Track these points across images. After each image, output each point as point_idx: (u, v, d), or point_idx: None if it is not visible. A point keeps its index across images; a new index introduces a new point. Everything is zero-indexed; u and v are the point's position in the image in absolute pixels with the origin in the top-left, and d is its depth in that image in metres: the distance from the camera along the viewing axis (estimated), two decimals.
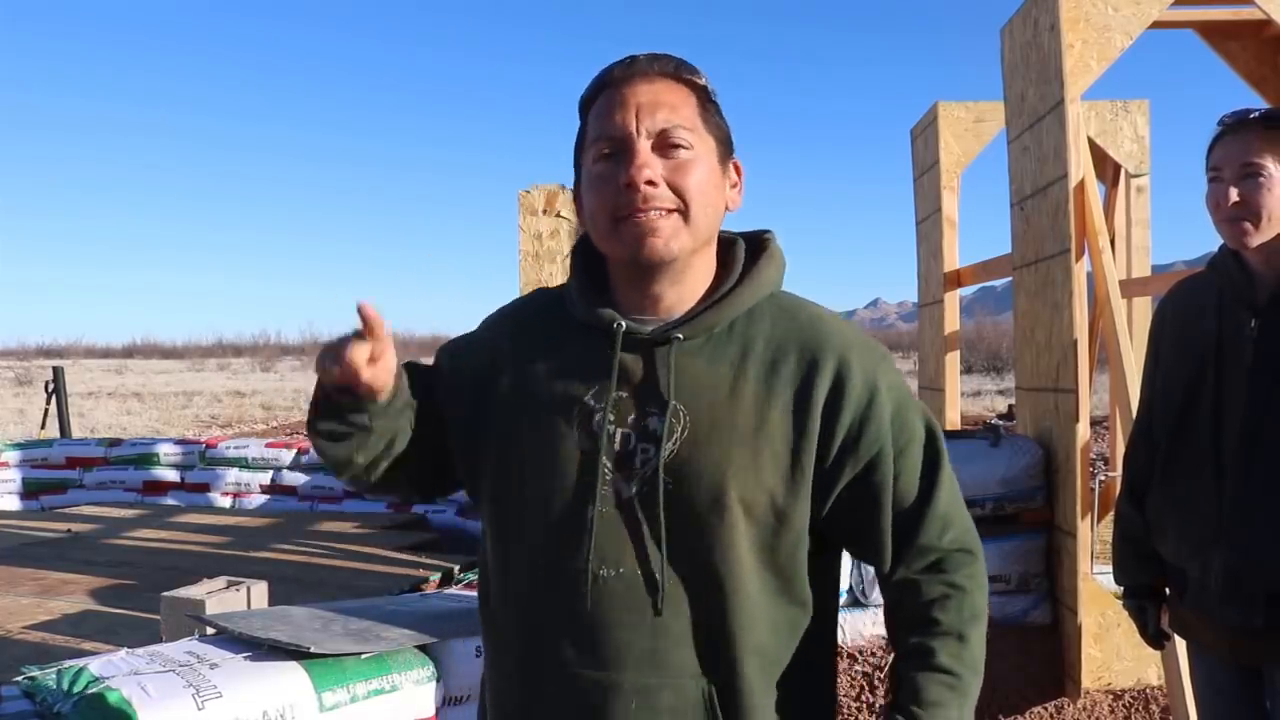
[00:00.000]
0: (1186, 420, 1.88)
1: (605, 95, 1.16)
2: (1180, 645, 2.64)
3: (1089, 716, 3.31)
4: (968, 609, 1.27)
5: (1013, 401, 8.79)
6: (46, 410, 10.47)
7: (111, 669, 2.00)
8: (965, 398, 16.41)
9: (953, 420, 5.33)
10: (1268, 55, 3.90)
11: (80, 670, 1.96)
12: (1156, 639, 2.07)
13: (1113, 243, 4.67)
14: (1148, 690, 3.27)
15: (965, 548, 1.26)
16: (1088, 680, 3.21)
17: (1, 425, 16.92)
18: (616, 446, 1.14)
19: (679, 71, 1.17)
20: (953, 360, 5.39)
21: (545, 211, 3.87)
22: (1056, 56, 3.27)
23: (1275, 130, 1.76)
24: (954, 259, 5.28)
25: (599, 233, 1.16)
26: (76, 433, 11.24)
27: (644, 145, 1.12)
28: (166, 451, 8.64)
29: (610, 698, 1.12)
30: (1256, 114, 1.79)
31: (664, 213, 1.12)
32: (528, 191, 3.88)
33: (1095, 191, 3.32)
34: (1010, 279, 3.98)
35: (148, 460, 8.60)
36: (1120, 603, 2.70)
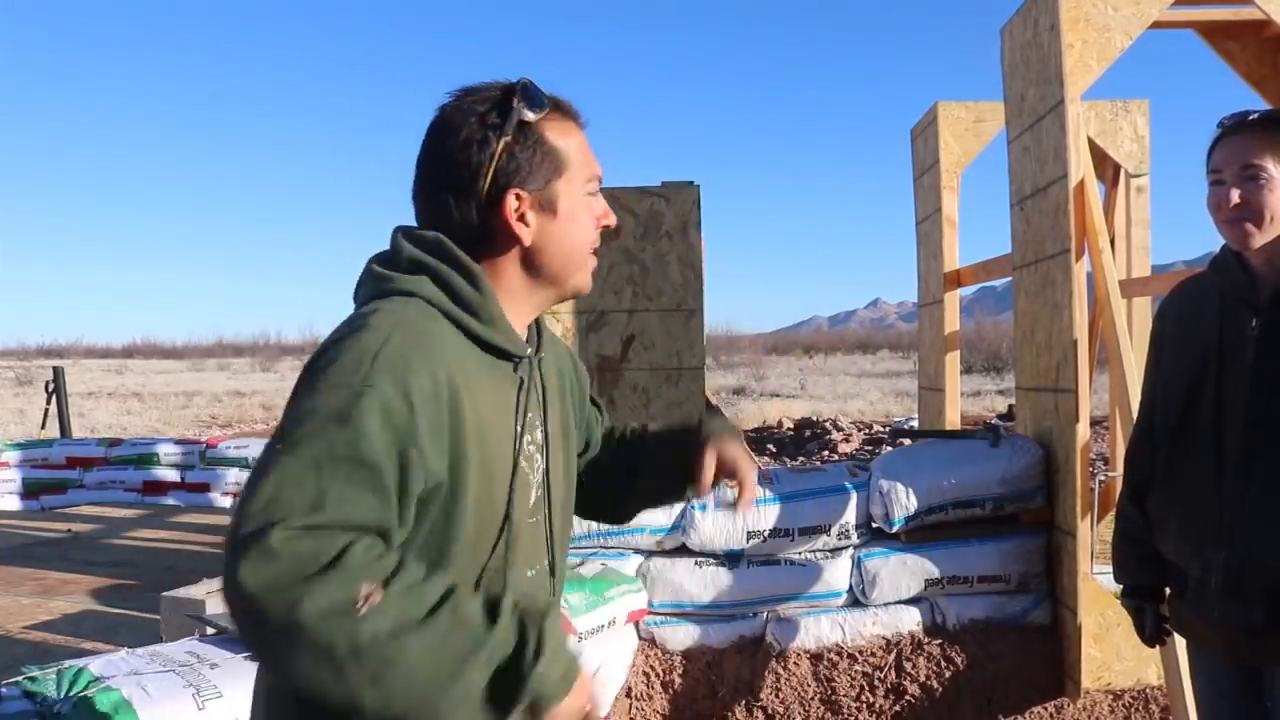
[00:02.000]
0: (1188, 420, 1.89)
1: (581, 134, 1.25)
2: (1180, 645, 2.64)
3: (1089, 716, 3.31)
4: None
5: (1013, 401, 8.80)
6: (47, 410, 10.47)
7: (112, 669, 2.00)
8: (965, 398, 16.41)
9: (953, 420, 5.32)
10: (1268, 55, 3.90)
11: (80, 670, 1.96)
12: (1153, 637, 2.08)
13: (1113, 243, 4.67)
14: (1148, 690, 3.27)
15: None
16: (1088, 680, 3.21)
17: (2, 425, 16.92)
18: (541, 464, 1.28)
19: None
20: (953, 360, 5.39)
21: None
22: (1056, 56, 3.27)
23: (1274, 132, 1.77)
24: (954, 259, 5.28)
25: (575, 261, 1.24)
26: (76, 433, 11.24)
27: None
28: (167, 451, 8.65)
29: None
30: (1256, 116, 1.80)
31: None
32: None
33: (1095, 191, 3.32)
34: (1010, 279, 3.98)
35: (148, 460, 8.61)
36: (1120, 602, 2.71)
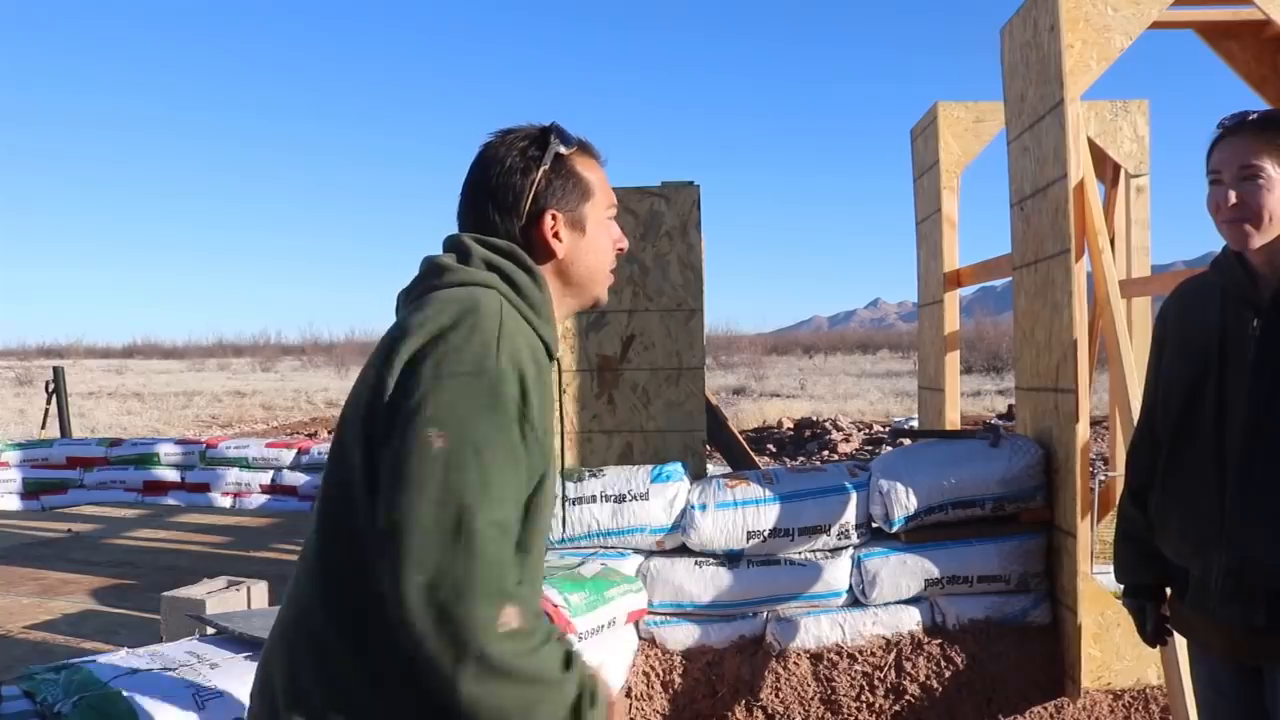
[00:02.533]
0: (1189, 419, 1.89)
1: (602, 170, 1.46)
2: (1180, 645, 2.64)
3: (1089, 716, 3.31)
4: None
5: (1013, 401, 8.80)
6: (47, 410, 10.47)
7: (111, 669, 2.00)
8: (965, 398, 16.41)
9: (953, 420, 5.32)
10: (1267, 55, 3.90)
11: (81, 670, 1.96)
12: (1155, 637, 2.08)
13: (1113, 243, 4.67)
14: (1147, 690, 3.27)
15: None
16: (1087, 680, 3.21)
17: (2, 425, 16.91)
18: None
19: None
20: (953, 360, 5.39)
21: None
22: (1056, 56, 3.27)
23: (1272, 132, 1.76)
24: (954, 259, 5.28)
25: (598, 275, 1.45)
26: (77, 433, 11.23)
27: None
28: (167, 451, 8.65)
29: None
30: (1255, 116, 1.79)
31: None
32: None
33: (1095, 191, 3.32)
34: (1010, 279, 3.98)
35: (148, 460, 8.61)
36: (1120, 602, 2.70)
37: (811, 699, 3.35)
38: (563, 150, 1.40)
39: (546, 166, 1.39)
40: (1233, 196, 1.77)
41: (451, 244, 1.39)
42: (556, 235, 1.40)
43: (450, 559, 1.11)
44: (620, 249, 1.49)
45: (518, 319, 1.31)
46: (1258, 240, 1.78)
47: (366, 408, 1.23)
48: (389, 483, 1.15)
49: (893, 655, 3.35)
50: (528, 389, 1.23)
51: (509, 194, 1.38)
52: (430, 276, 1.35)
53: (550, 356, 1.38)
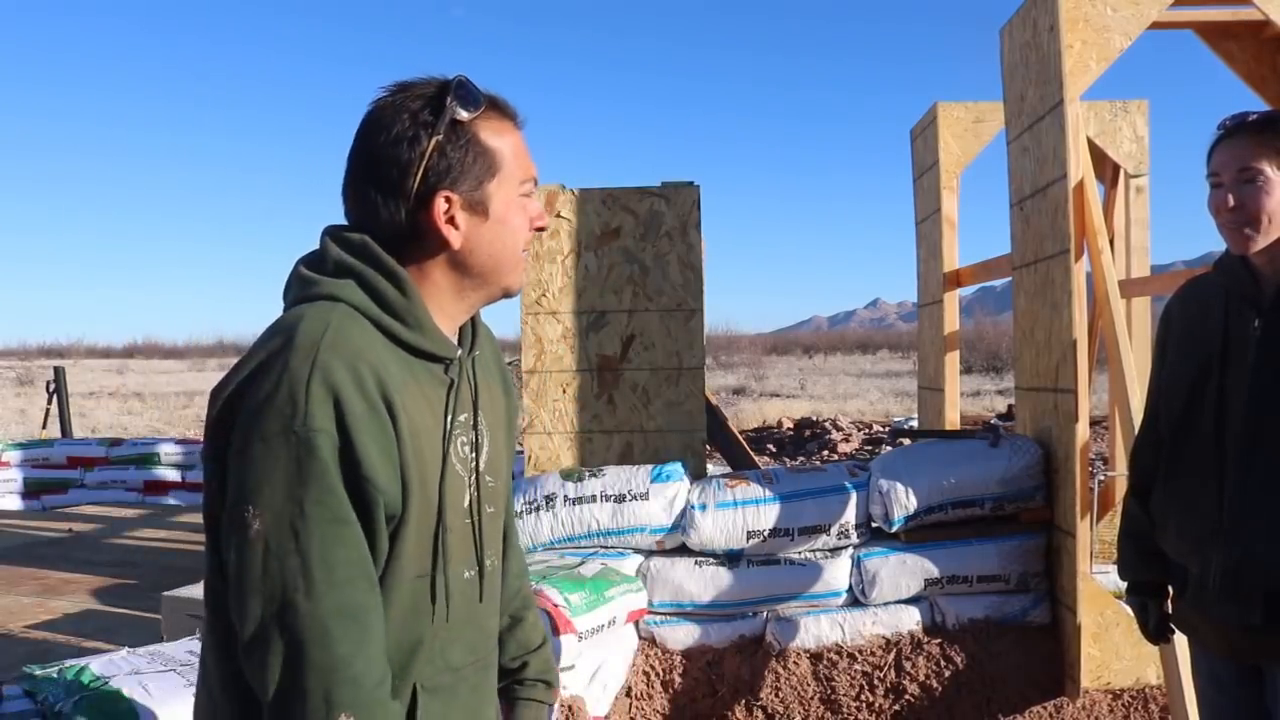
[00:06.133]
0: (1190, 418, 1.90)
1: (518, 134, 1.22)
2: (1180, 644, 2.64)
3: (1088, 716, 3.32)
4: None
5: (1013, 401, 8.78)
6: (48, 410, 10.48)
7: (112, 668, 2.01)
8: (965, 398, 16.40)
9: (953, 420, 5.33)
10: (1266, 55, 3.90)
11: (81, 669, 1.96)
12: (1157, 634, 2.09)
13: (1112, 243, 4.67)
14: (1147, 690, 3.27)
15: None
16: (1087, 680, 3.21)
17: (3, 425, 16.92)
18: (472, 462, 1.26)
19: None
20: (952, 360, 5.39)
21: (545, 211, 3.88)
22: (1056, 57, 3.27)
23: (1270, 134, 1.77)
24: (954, 259, 5.28)
25: (507, 260, 1.22)
26: (78, 433, 11.24)
27: None
28: (167, 451, 8.66)
29: (486, 680, 1.32)
30: (1254, 118, 1.80)
31: None
32: None
33: (1095, 192, 3.32)
34: (1010, 279, 3.98)
35: (149, 460, 8.62)
36: (1119, 602, 2.70)
37: (811, 699, 3.35)
38: (463, 114, 1.15)
39: (440, 135, 1.14)
40: (1232, 199, 1.78)
41: (319, 243, 1.19)
42: (451, 221, 1.16)
43: (281, 668, 1.00)
44: (539, 226, 1.24)
45: (366, 334, 1.12)
46: (1258, 242, 1.78)
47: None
48: (230, 574, 1.05)
49: (892, 655, 3.35)
50: (351, 430, 1.05)
51: (393, 170, 1.13)
52: (287, 293, 1.17)
53: (436, 359, 1.19)
